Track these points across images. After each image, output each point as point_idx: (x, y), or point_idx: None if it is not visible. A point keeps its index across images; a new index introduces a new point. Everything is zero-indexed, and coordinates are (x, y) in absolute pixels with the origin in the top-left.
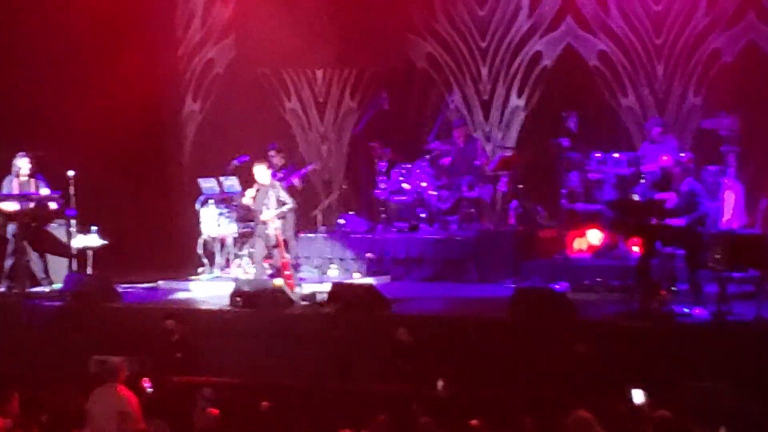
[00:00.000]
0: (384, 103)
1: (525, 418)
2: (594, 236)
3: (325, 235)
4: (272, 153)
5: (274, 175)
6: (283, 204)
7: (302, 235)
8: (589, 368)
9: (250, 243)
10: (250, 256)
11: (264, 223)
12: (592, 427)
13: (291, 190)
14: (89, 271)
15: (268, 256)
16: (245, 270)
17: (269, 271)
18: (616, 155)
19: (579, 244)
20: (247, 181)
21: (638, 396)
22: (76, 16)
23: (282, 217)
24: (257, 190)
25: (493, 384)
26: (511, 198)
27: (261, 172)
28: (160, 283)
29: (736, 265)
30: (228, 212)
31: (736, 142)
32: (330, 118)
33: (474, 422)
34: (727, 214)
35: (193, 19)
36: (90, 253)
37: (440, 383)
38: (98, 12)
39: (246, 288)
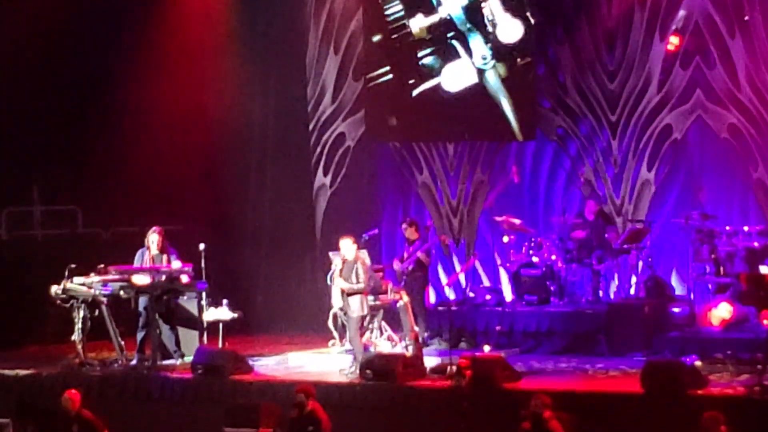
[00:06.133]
0: (514, 177)
1: None
2: (724, 309)
3: (455, 307)
4: (404, 226)
5: (406, 249)
6: (359, 282)
7: (433, 307)
8: None
9: (378, 316)
10: (380, 328)
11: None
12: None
13: (418, 264)
14: (220, 343)
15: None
16: (374, 343)
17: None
18: (746, 228)
19: (709, 317)
20: (378, 254)
21: None
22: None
23: (352, 294)
24: (344, 262)
25: None
26: (641, 271)
27: (347, 247)
28: (291, 355)
29: None
30: None
31: None
32: (461, 191)
33: None
34: None
35: (324, 94)
36: (221, 325)
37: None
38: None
39: (376, 360)
